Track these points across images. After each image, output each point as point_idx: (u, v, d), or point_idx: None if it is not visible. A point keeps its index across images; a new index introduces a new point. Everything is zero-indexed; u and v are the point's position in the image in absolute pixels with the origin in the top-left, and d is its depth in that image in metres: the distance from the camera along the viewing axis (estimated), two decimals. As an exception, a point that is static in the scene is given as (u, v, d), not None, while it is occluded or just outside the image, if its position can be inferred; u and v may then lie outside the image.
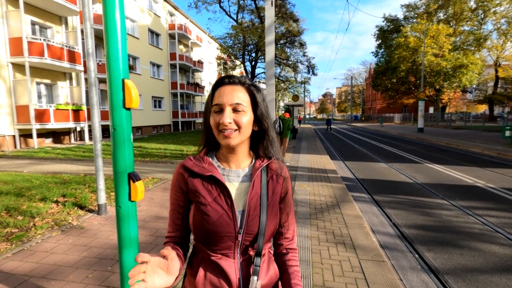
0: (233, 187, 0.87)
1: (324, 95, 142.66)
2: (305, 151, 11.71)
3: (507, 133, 12.27)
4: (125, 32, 1.80)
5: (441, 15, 39.04)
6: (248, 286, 0.85)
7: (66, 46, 13.68)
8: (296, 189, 5.69)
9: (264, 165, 0.91)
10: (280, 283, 0.96)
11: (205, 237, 0.84)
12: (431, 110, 37.30)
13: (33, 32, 13.41)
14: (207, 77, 36.39)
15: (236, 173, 0.89)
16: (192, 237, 0.92)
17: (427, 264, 3.03)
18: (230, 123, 0.81)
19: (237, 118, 0.83)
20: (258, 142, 0.93)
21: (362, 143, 16.17)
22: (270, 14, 9.21)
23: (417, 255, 3.23)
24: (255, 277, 0.84)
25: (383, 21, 43.10)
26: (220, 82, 0.86)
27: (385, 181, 6.86)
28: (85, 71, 15.18)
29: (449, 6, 37.20)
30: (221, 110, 0.83)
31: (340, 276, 2.58)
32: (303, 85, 30.20)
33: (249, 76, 23.64)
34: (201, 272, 0.86)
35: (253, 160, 0.93)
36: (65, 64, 13.51)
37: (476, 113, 45.85)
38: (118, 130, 1.75)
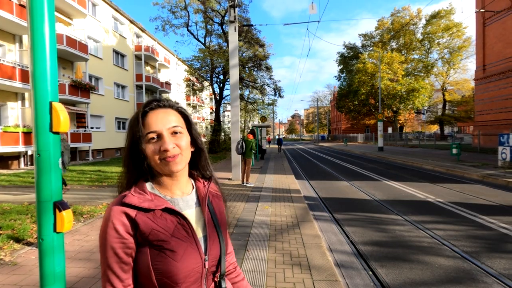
0: (187, 215, 0.81)
1: (293, 116, 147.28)
2: (272, 171, 11.81)
3: (454, 151, 13.42)
4: (55, 51, 1.73)
5: (393, 44, 43.10)
6: None
7: (19, 65, 12.89)
8: (259, 210, 5.64)
9: (208, 187, 0.89)
10: None
11: (169, 280, 0.73)
12: (390, 130, 39.92)
13: (-19, 50, 12.53)
14: (175, 98, 36.02)
15: (184, 200, 0.83)
16: None
17: (379, 281, 3.09)
18: (173, 147, 0.77)
19: (178, 142, 0.79)
20: (195, 163, 0.90)
21: (327, 162, 16.71)
22: (233, 39, 9.51)
23: (370, 272, 3.29)
24: None
25: (344, 48, 46.51)
26: (149, 107, 0.81)
27: (346, 199, 7.07)
28: (40, 91, 14.31)
29: (400, 37, 41.28)
30: (158, 137, 0.78)
31: (293, 299, 2.54)
32: (271, 106, 31.00)
33: (217, 97, 23.85)
34: None
35: (193, 183, 0.90)
36: (17, 84, 12.66)
37: (429, 133, 49.96)
38: (43, 155, 1.63)
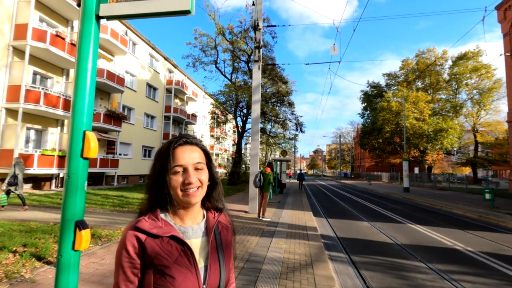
0: (193, 244, 0.87)
1: (315, 152, 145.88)
2: (290, 207, 11.58)
3: (487, 196, 12.52)
4: (94, 88, 2.00)
5: (419, 84, 42.80)
6: None
7: (63, 95, 14.25)
8: (272, 246, 5.51)
9: (217, 219, 0.95)
10: None
11: None
12: (417, 170, 38.18)
13: (34, 81, 14.06)
14: (200, 129, 37.39)
15: (193, 229, 0.90)
16: None
17: (396, 333, 2.86)
18: (196, 181, 0.86)
19: (200, 176, 0.88)
20: (210, 194, 0.96)
21: (348, 200, 16.13)
22: (257, 76, 10.03)
23: (387, 323, 3.07)
24: None
25: (367, 87, 46.81)
26: (178, 143, 0.90)
27: (365, 241, 6.73)
28: (78, 119, 15.55)
29: (426, 77, 41.04)
30: (184, 171, 0.87)
31: None
32: (292, 141, 31.16)
33: (240, 130, 24.48)
34: None
35: (205, 213, 0.96)
36: (59, 112, 13.89)
37: (461, 175, 47.09)
38: (72, 178, 1.83)
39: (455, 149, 43.49)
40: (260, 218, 8.50)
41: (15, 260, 3.91)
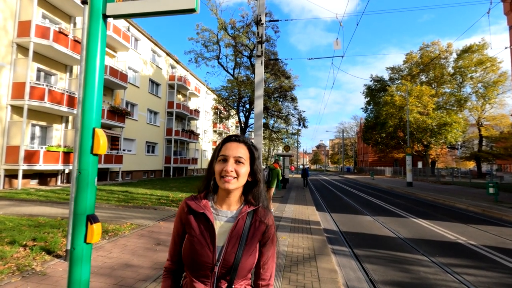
0: (219, 225, 1.03)
1: (318, 147, 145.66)
2: (293, 201, 11.65)
3: (491, 190, 12.49)
4: (102, 85, 2.05)
5: (423, 77, 42.38)
6: None
7: (67, 92, 14.34)
8: (276, 240, 5.59)
9: (250, 211, 1.07)
10: None
11: (189, 263, 1.00)
12: (420, 164, 38.03)
13: (38, 78, 14.15)
14: (203, 125, 37.45)
15: (225, 213, 1.06)
16: None
17: (398, 324, 2.93)
18: (232, 171, 1.01)
19: (238, 168, 1.03)
20: (250, 191, 1.11)
21: (351, 195, 16.17)
22: (259, 71, 10.01)
23: (389, 314, 3.13)
24: None
25: (371, 81, 46.44)
26: (229, 139, 1.09)
27: (368, 235, 6.79)
28: (82, 115, 15.66)
29: (430, 71, 40.62)
30: (225, 160, 1.04)
31: (303, 333, 2.48)
32: (295, 136, 31.16)
33: (242, 125, 24.52)
34: None
35: (242, 205, 1.09)
36: (64, 108, 14.00)
37: (465, 169, 46.79)
38: (83, 173, 1.88)
39: (459, 143, 43.20)
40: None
41: (26, 254, 4.02)
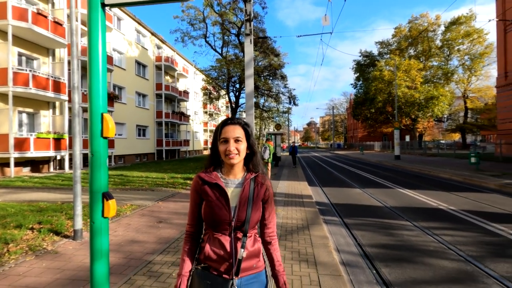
0: (230, 191, 1.28)
1: (309, 124, 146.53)
2: (285, 178, 12.05)
3: (473, 160, 13.15)
4: (106, 76, 2.18)
5: (411, 51, 42.48)
6: (237, 254, 1.23)
7: (52, 77, 13.96)
8: (271, 213, 5.93)
9: (252, 177, 1.32)
10: (261, 254, 1.34)
11: (211, 222, 1.25)
12: (408, 138, 39.05)
13: (19, 63, 13.69)
14: (193, 106, 37.09)
15: (233, 182, 1.31)
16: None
17: (382, 278, 3.31)
18: (233, 149, 1.24)
19: (238, 146, 1.26)
20: (249, 161, 1.35)
21: (341, 170, 16.73)
22: (249, 50, 9.96)
23: (374, 271, 3.51)
24: (242, 249, 1.23)
25: (360, 56, 46.29)
26: (225, 123, 1.31)
27: (357, 205, 7.22)
28: (70, 100, 15.38)
29: (418, 44, 40.67)
30: (226, 141, 1.26)
31: (298, 289, 2.82)
32: (285, 114, 31.30)
33: (233, 105, 24.47)
34: (208, 244, 1.26)
35: (245, 173, 1.34)
36: (50, 94, 13.70)
37: (451, 141, 48.31)
38: (95, 155, 2.05)
39: (446, 116, 44.28)
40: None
41: (35, 236, 4.22)
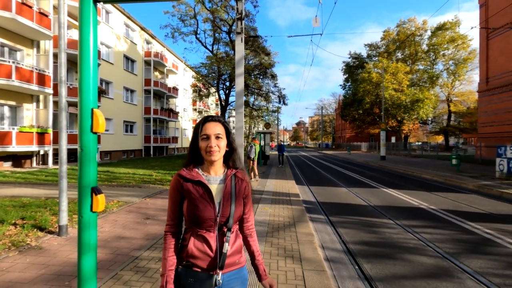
0: (213, 187, 1.29)
1: (298, 124, 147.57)
2: (273, 177, 12.17)
3: (454, 162, 13.64)
4: (96, 72, 2.19)
5: (399, 54, 43.47)
6: (222, 249, 1.26)
7: (36, 69, 13.57)
8: (259, 211, 6.02)
9: (233, 173, 1.35)
10: (242, 250, 1.39)
11: (195, 220, 1.25)
12: (393, 139, 39.97)
13: (2, 54, 13.23)
14: (182, 103, 36.74)
15: (215, 178, 1.32)
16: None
17: (364, 273, 3.44)
18: (215, 146, 1.26)
19: (218, 143, 1.28)
20: (229, 158, 1.38)
21: (329, 169, 17.00)
22: (240, 49, 9.99)
23: (357, 267, 3.64)
24: (226, 243, 1.27)
25: (349, 58, 46.98)
26: (206, 120, 1.32)
27: (342, 204, 7.40)
28: (55, 94, 14.98)
29: (406, 48, 41.66)
30: (207, 138, 1.27)
31: (283, 283, 2.90)
32: (275, 113, 31.46)
33: (223, 103, 24.42)
34: (191, 242, 1.27)
35: (226, 170, 1.36)
36: (34, 87, 13.32)
37: (435, 143, 49.77)
38: (85, 150, 2.07)
39: (430, 118, 45.55)
40: (256, 179, 10.89)
41: (18, 231, 4.15)
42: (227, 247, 1.26)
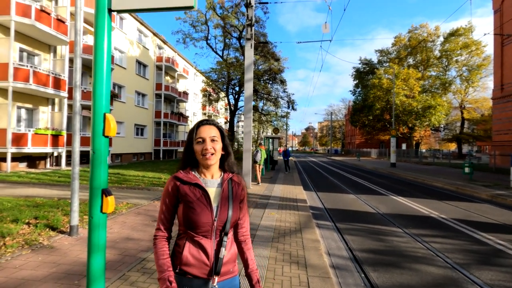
0: (211, 191, 1.27)
1: (307, 129, 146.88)
2: (281, 182, 12.15)
3: (466, 170, 13.32)
4: (110, 78, 2.28)
5: (410, 60, 42.95)
6: (219, 254, 1.24)
7: (53, 73, 14.02)
8: (265, 216, 6.02)
9: (230, 177, 1.33)
10: (236, 259, 1.36)
11: (191, 224, 1.21)
12: (404, 146, 39.32)
13: (21, 59, 13.74)
14: (192, 107, 37.19)
15: (211, 182, 1.30)
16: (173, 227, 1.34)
17: (370, 282, 3.40)
18: (210, 148, 1.25)
19: (214, 146, 1.27)
20: (224, 162, 1.36)
21: (337, 175, 16.85)
22: (249, 54, 10.12)
23: (363, 275, 3.61)
24: (223, 248, 1.24)
25: (359, 63, 46.71)
26: (201, 123, 1.32)
27: (350, 211, 7.33)
28: (70, 97, 15.42)
29: (417, 54, 41.15)
30: (203, 141, 1.26)
31: (288, 289, 2.91)
32: (284, 118, 31.47)
33: (232, 108, 24.62)
34: (186, 248, 1.22)
35: (222, 173, 1.35)
36: (50, 90, 13.75)
37: (447, 151, 48.67)
38: (96, 153, 2.15)
39: (442, 125, 44.66)
40: (259, 184, 11.02)
41: (31, 230, 4.28)
42: (224, 252, 1.23)
